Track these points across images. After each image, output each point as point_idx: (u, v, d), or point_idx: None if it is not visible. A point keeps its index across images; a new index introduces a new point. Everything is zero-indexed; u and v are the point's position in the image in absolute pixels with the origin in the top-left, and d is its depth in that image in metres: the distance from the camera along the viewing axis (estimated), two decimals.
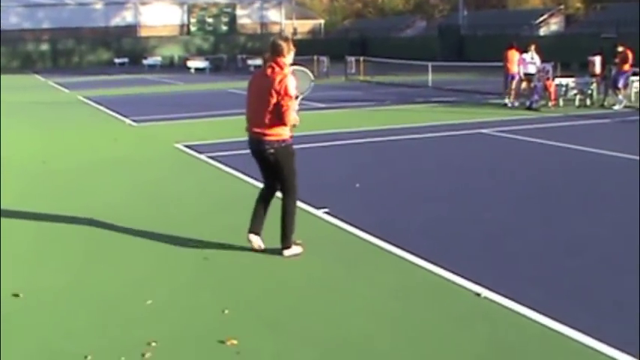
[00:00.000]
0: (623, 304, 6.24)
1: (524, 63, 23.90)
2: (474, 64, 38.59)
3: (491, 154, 14.82)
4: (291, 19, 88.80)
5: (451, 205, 10.18)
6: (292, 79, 7.71)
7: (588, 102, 23.75)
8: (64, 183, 12.46)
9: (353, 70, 41.20)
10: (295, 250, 7.95)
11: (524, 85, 24.17)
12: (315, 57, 44.29)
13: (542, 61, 23.96)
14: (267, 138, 7.73)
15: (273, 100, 7.54)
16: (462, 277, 6.90)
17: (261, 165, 8.11)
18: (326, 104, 25.57)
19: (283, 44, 7.71)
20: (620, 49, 23.59)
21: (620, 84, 23.28)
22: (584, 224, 9.02)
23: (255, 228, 8.09)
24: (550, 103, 23.18)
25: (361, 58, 41.42)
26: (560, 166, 13.14)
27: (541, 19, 65.02)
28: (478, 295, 6.46)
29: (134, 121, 21.63)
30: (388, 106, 24.87)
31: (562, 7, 70.74)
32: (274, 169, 7.94)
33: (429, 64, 34.73)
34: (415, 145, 15.80)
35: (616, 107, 22.81)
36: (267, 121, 7.66)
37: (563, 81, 24.18)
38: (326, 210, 9.69)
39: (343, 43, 70.29)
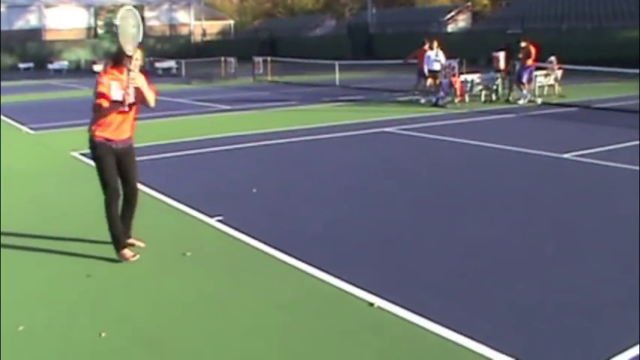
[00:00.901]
0: (519, 309, 6.03)
1: (428, 60, 23.94)
2: (382, 61, 38.64)
3: (393, 153, 14.62)
4: (200, 20, 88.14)
5: (349, 208, 9.90)
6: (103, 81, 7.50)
7: (494, 97, 23.94)
8: None
9: (261, 71, 40.84)
10: (126, 253, 7.83)
11: (429, 81, 24.22)
12: (223, 58, 43.87)
13: (449, 57, 24.02)
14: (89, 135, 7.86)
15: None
16: (355, 285, 6.60)
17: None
18: (231, 106, 25.19)
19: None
20: (523, 44, 23.80)
21: (524, 79, 23.52)
22: (482, 225, 8.83)
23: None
24: (456, 100, 23.22)
25: (269, 59, 41.12)
26: (462, 164, 13.03)
27: (449, 16, 65.87)
28: (371, 305, 6.18)
29: (32, 129, 20.84)
30: (293, 107, 24.57)
31: (469, 4, 71.72)
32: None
33: (336, 62, 34.56)
34: (317, 146, 15.52)
35: (520, 102, 23.01)
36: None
37: (469, 77, 24.27)
38: (220, 218, 9.30)
39: (253, 44, 69.94)
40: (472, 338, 5.41)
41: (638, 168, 11.76)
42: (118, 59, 7.63)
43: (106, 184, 7.83)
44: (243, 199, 10.64)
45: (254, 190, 11.05)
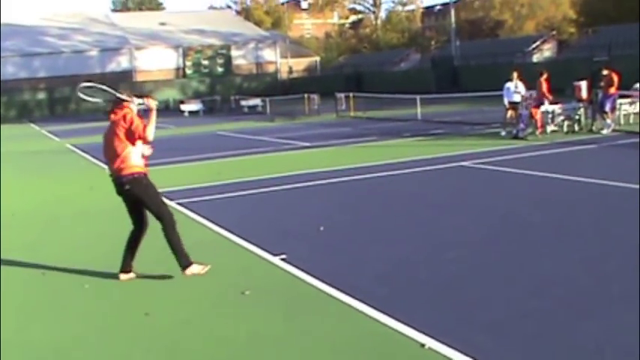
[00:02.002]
0: (578, 352, 5.79)
1: (508, 92, 23.64)
2: (467, 94, 38.31)
3: (467, 187, 14.37)
4: (286, 57, 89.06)
5: (416, 246, 9.75)
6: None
7: (576, 128, 23.39)
8: (27, 235, 12.07)
9: (344, 107, 40.95)
10: (195, 268, 8.48)
11: (509, 113, 23.86)
12: (306, 95, 44.16)
13: (531, 88, 23.66)
14: (124, 174, 8.27)
15: (122, 137, 8.20)
16: (409, 326, 6.46)
17: (125, 203, 8.63)
18: (311, 143, 25.25)
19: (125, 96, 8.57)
20: (605, 72, 23.28)
21: (607, 107, 22.94)
22: (552, 262, 8.54)
23: (124, 268, 8.73)
24: (537, 131, 22.81)
25: (351, 94, 41.19)
26: (538, 197, 12.72)
27: (534, 45, 65.13)
28: (422, 345, 6.03)
29: None
30: (373, 142, 24.47)
31: (554, 32, 70.84)
32: (138, 201, 8.53)
33: (417, 97, 34.39)
34: (390, 182, 15.39)
35: (604, 132, 22.43)
36: (120, 159, 8.26)
37: (550, 108, 23.80)
38: (283, 257, 9.27)
39: (339, 79, 70.32)
40: None
41: None
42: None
43: (161, 211, 8.56)
44: (310, 237, 10.59)
45: (321, 229, 10.99)
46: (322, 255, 9.55)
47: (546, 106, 23.60)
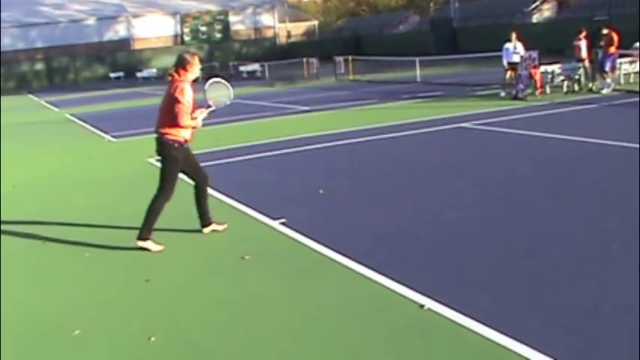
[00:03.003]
0: (576, 311, 5.80)
1: (507, 52, 23.54)
2: (466, 55, 38.13)
3: (467, 148, 14.35)
4: (284, 22, 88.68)
5: (415, 207, 9.75)
6: (189, 88, 8.45)
7: (576, 87, 23.29)
8: (27, 205, 12.08)
9: (342, 70, 40.80)
10: (149, 245, 8.56)
11: (509, 74, 23.76)
12: (305, 59, 44.01)
13: (531, 48, 23.53)
14: (164, 138, 8.55)
15: (170, 105, 8.41)
16: (409, 287, 6.48)
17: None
18: (311, 107, 25.22)
19: (188, 58, 8.52)
20: (605, 31, 23.15)
21: (607, 67, 22.84)
22: (549, 222, 8.54)
23: (205, 222, 9.11)
24: (537, 92, 22.73)
25: (350, 58, 41.03)
26: (536, 157, 12.68)
27: (533, 6, 64.61)
28: (422, 307, 6.04)
29: (114, 136, 21.29)
30: (372, 105, 24.42)
31: None
32: (162, 167, 8.84)
33: (416, 59, 34.25)
34: (389, 145, 15.35)
35: (604, 91, 22.35)
36: (164, 123, 8.53)
37: (549, 68, 23.71)
38: (282, 220, 9.28)
39: (337, 43, 69.94)
40: (521, 341, 5.21)
41: None
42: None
43: (166, 186, 8.78)
44: (309, 201, 10.59)
45: (321, 192, 10.99)
46: (322, 218, 9.55)
47: (545, 67, 23.52)
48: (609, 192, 9.83)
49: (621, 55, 24.10)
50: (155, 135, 8.68)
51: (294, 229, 8.86)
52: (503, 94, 23.49)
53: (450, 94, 26.00)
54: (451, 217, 9.03)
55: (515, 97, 22.19)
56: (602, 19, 40.50)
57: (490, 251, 7.54)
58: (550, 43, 32.24)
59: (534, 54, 23.11)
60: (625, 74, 24.78)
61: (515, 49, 23.40)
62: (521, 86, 22.42)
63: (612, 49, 22.82)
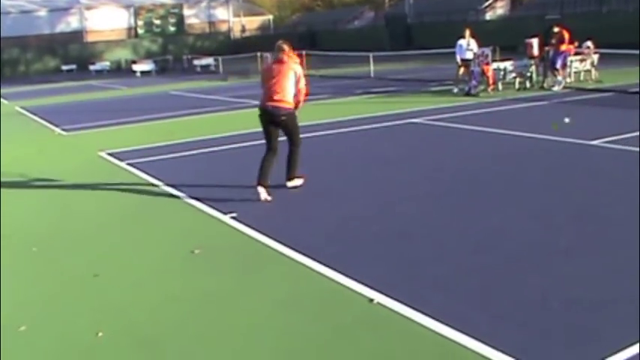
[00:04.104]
0: (524, 305, 5.84)
1: (460, 49, 23.71)
2: (420, 52, 38.31)
3: (418, 144, 14.43)
4: (239, 16, 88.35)
5: (366, 202, 9.76)
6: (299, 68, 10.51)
7: (528, 84, 23.54)
8: None
9: None
10: (297, 182, 10.73)
11: (462, 70, 23.95)
12: (259, 54, 43.90)
13: (484, 45, 23.72)
14: (283, 107, 10.23)
15: (289, 80, 10.22)
16: (358, 281, 6.48)
17: (271, 130, 10.49)
18: None
19: (287, 46, 10.43)
20: (556, 29, 23.41)
21: (559, 64, 23.12)
22: (500, 217, 8.59)
23: (264, 182, 10.17)
24: (489, 88, 22.91)
25: (303, 52, 41.00)
26: (487, 153, 12.78)
27: (486, 3, 65.05)
28: (371, 301, 6.05)
29: (64, 130, 21.00)
30: (325, 100, 24.43)
31: None
32: (285, 130, 10.49)
33: (370, 54, 34.35)
34: (340, 140, 15.38)
35: (555, 88, 22.61)
36: (282, 95, 10.20)
37: (502, 65, 23.91)
38: (233, 215, 9.24)
39: (292, 38, 69.44)
40: (471, 336, 5.24)
41: None
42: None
43: (299, 138, 10.81)
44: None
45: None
46: (273, 213, 9.53)
47: (497, 64, 23.74)
48: (559, 187, 9.94)
49: (576, 53, 24.39)
50: (271, 106, 10.25)
51: (245, 224, 8.82)
52: (455, 90, 23.64)
53: (403, 90, 26.10)
54: (402, 211, 9.07)
55: (468, 94, 22.36)
56: (554, 17, 40.97)
57: (441, 246, 7.58)
58: (503, 40, 32.45)
59: (487, 51, 23.30)
60: (575, 72, 25.08)
61: (468, 46, 23.60)
62: (473, 83, 22.60)
63: (563, 47, 23.08)
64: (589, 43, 25.45)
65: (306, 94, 10.71)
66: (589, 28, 30.57)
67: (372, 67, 33.87)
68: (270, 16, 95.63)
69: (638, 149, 11.99)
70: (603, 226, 7.97)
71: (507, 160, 12.14)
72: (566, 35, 23.15)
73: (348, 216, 9.06)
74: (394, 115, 18.34)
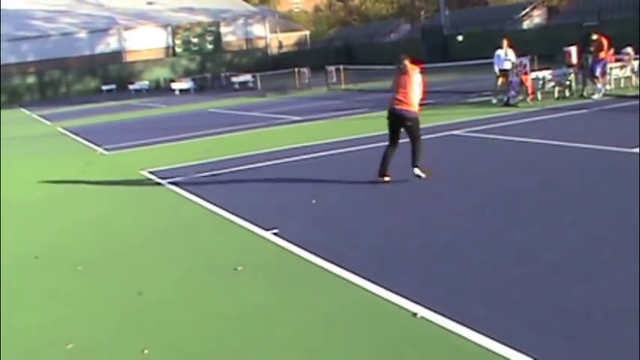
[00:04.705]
0: (568, 316, 5.80)
1: (498, 59, 23.61)
2: (457, 63, 38.17)
3: (459, 156, 14.38)
4: (275, 32, 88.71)
5: (406, 215, 9.77)
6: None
7: (567, 93, 23.34)
8: (19, 220, 12.05)
9: (334, 80, 40.85)
10: (421, 173, 11.88)
11: (500, 81, 23.82)
12: (296, 69, 44.04)
13: (522, 55, 23.60)
14: (409, 112, 11.98)
15: (413, 88, 11.89)
16: (402, 296, 6.48)
17: (396, 129, 12.26)
18: (303, 117, 25.23)
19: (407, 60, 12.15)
20: (595, 37, 23.23)
21: (598, 72, 22.91)
22: (541, 228, 8.53)
23: (384, 171, 12.08)
24: (528, 98, 22.77)
25: (341, 67, 41.11)
26: (528, 163, 12.71)
27: (523, 12, 64.81)
28: (414, 315, 6.05)
29: (106, 149, 21.25)
30: (364, 114, 24.45)
31: None
32: (409, 131, 12.08)
33: None
34: (382, 153, 15.32)
35: (595, 96, 22.39)
36: (408, 101, 11.89)
37: (540, 74, 23.77)
38: (275, 231, 9.28)
39: (329, 53, 70.02)
40: (515, 348, 5.22)
41: None
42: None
43: (420, 134, 12.18)
44: (302, 211, 10.60)
45: (313, 202, 10.99)
46: (314, 228, 9.56)
47: (536, 73, 23.61)
48: (600, 196, 9.86)
49: (615, 60, 24.20)
50: (398, 109, 11.96)
51: (287, 240, 8.86)
52: (494, 101, 23.54)
53: (441, 102, 26.02)
54: (443, 225, 9.05)
55: (507, 104, 22.24)
56: (591, 24, 40.65)
57: (482, 258, 7.55)
58: (541, 49, 32.27)
59: (525, 60, 23.17)
60: (615, 79, 24.86)
61: (506, 56, 23.48)
62: (512, 93, 22.47)
63: (602, 54, 22.90)
64: (629, 49, 25.22)
65: (424, 93, 12.31)
66: (628, 34, 30.39)
67: None
68: (307, 32, 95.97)
69: None
70: None
71: (548, 169, 12.06)
72: (605, 42, 22.96)
73: (390, 230, 9.06)
74: (434, 128, 18.27)
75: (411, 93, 11.89)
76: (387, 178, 12.01)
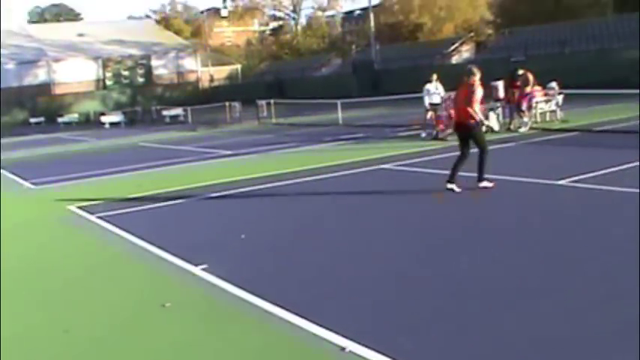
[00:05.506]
0: (493, 346, 5.87)
1: (428, 93, 23.94)
2: (388, 97, 38.59)
3: (387, 189, 14.45)
4: (207, 66, 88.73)
5: (335, 250, 9.78)
6: (479, 89, 13.06)
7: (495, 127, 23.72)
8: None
9: (265, 114, 40.93)
10: (487, 184, 12.95)
11: (430, 115, 24.13)
12: (228, 103, 44.02)
13: (451, 89, 23.93)
14: (470, 124, 12.95)
15: (467, 99, 12.88)
16: (330, 330, 6.47)
17: (462, 141, 13.29)
18: (233, 151, 25.17)
19: (475, 69, 13.28)
20: (521, 72, 23.76)
21: (524, 106, 23.41)
22: (469, 260, 8.62)
23: (453, 180, 13.00)
24: None
25: (272, 101, 41.24)
26: (453, 196, 12.85)
27: (452, 47, 66.01)
28: (343, 349, 6.04)
29: (33, 184, 20.87)
30: (293, 149, 24.50)
31: (472, 34, 71.92)
32: (475, 140, 13.04)
33: (338, 101, 34.60)
34: (311, 187, 15.36)
35: (522, 130, 22.87)
36: (462, 112, 13.12)
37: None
38: (204, 266, 9.19)
39: (260, 87, 70.30)
40: None
41: (636, 190, 11.57)
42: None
43: (485, 144, 13.16)
44: (231, 246, 10.54)
45: (243, 237, 10.94)
46: (244, 263, 9.51)
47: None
48: (526, 228, 10.04)
49: (546, 94, 24.82)
50: (462, 124, 13.20)
51: (216, 275, 8.77)
52: (424, 134, 23.83)
53: (371, 136, 26.26)
54: (371, 259, 9.09)
55: (436, 138, 22.55)
56: (518, 59, 41.58)
57: (410, 291, 7.61)
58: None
59: (453, 95, 23.49)
60: (541, 113, 25.41)
61: (436, 90, 23.83)
62: (441, 127, 22.79)
63: (528, 89, 23.43)
64: (554, 84, 25.84)
65: (482, 103, 13.83)
66: (553, 69, 31.14)
67: (340, 114, 34.06)
68: (239, 66, 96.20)
69: (604, 187, 12.18)
70: (571, 265, 8.03)
71: (476, 202, 12.24)
72: (531, 77, 23.51)
73: (319, 265, 9.07)
74: (364, 162, 18.42)
75: (470, 105, 12.89)
76: (455, 188, 12.92)
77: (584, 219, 10.47)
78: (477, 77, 13.02)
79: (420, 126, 25.01)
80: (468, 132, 13.02)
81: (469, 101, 12.82)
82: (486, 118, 22.90)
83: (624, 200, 11.37)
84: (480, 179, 12.91)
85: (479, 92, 12.98)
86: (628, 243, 8.63)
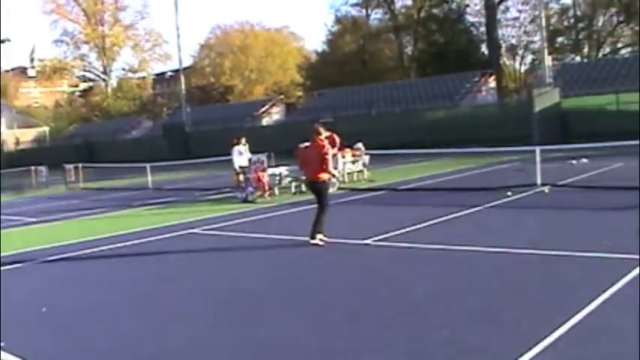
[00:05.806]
0: None
1: (237, 156, 24.07)
2: (198, 160, 38.53)
3: (195, 255, 14.25)
4: (12, 128, 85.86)
5: (139, 319, 9.52)
6: (330, 150, 14.08)
7: (303, 188, 24.05)
8: None
9: (73, 178, 39.87)
10: (319, 241, 13.46)
11: (241, 177, 24.21)
12: (33, 167, 42.62)
13: (260, 151, 24.20)
14: (322, 180, 13.82)
15: (320, 158, 13.57)
16: None
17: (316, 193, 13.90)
18: (38, 218, 24.22)
19: (321, 129, 14.17)
20: (327, 133, 24.19)
21: (331, 167, 23.80)
22: (275, 325, 8.59)
23: (315, 233, 13.54)
24: (265, 194, 23.30)
25: (80, 165, 40.26)
26: (260, 260, 12.92)
27: (263, 109, 66.93)
28: None
29: None
30: (101, 214, 23.89)
31: (282, 96, 73.28)
32: (321, 196, 13.72)
33: (147, 165, 34.22)
34: (117, 254, 14.94)
35: (330, 190, 23.20)
36: (316, 170, 13.70)
37: (277, 170, 24.48)
38: (0, 344, 8.70)
39: (69, 150, 68.58)
40: None
41: (440, 245, 12.03)
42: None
43: (327, 202, 13.82)
44: (31, 321, 10.03)
45: (43, 310, 10.47)
46: (45, 338, 9.06)
47: (273, 169, 24.25)
48: (334, 289, 10.16)
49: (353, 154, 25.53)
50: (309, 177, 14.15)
51: (13, 354, 8.32)
52: (239, 196, 23.85)
53: (181, 200, 26.06)
54: (176, 329, 8.90)
55: (246, 200, 22.62)
56: (327, 120, 42.60)
57: (222, 355, 7.49)
58: (279, 145, 33.33)
59: (263, 157, 23.77)
60: (349, 173, 26.05)
61: (245, 152, 23.98)
62: (250, 189, 22.96)
63: (334, 150, 23.91)
64: (360, 145, 26.61)
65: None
66: (360, 131, 32.11)
67: (149, 178, 33.66)
68: (47, 128, 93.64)
69: (408, 245, 12.58)
70: (379, 323, 8.16)
71: (284, 265, 12.31)
72: (337, 138, 24.02)
73: (124, 335, 8.79)
74: (172, 227, 18.18)
75: (319, 162, 13.62)
76: (318, 242, 13.47)
77: (389, 277, 10.71)
78: (323, 136, 13.83)
79: (233, 189, 25.04)
80: (319, 188, 13.73)
81: (323, 163, 13.51)
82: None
83: (427, 257, 11.80)
84: (314, 236, 13.42)
85: (330, 153, 13.89)
86: (429, 300, 8.89)
